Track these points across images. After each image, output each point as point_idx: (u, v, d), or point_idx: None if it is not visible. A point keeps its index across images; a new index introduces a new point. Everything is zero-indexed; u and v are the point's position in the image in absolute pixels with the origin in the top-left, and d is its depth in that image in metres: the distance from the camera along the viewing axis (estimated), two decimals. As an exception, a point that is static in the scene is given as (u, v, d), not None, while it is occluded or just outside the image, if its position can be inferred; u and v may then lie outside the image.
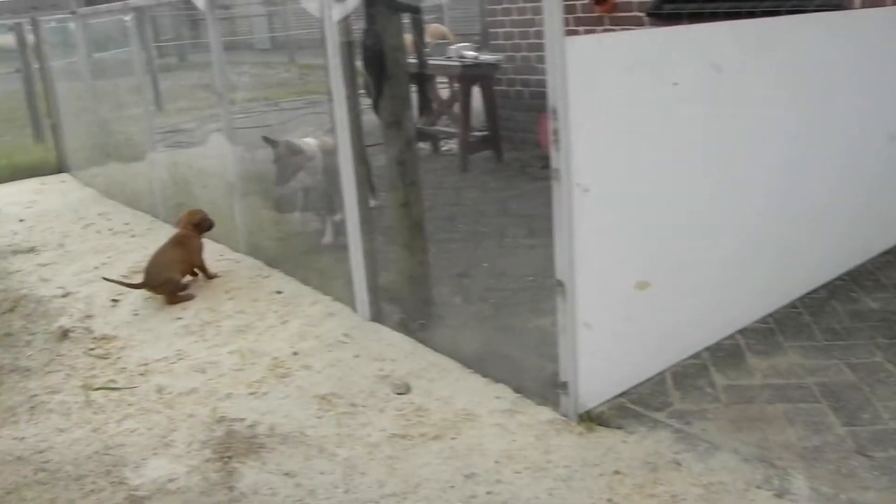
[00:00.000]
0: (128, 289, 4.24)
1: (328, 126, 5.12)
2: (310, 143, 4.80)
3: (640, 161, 2.90)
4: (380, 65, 3.55)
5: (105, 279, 4.05)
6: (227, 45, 4.69)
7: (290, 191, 4.96)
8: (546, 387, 3.03)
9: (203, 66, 6.44)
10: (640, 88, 2.84)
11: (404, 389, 3.21)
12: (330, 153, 4.75)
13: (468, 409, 3.02)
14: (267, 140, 4.73)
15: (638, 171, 2.90)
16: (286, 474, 2.73)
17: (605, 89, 2.73)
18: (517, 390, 3.11)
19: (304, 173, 4.78)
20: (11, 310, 4.41)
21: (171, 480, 2.75)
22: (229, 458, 2.85)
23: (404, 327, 3.69)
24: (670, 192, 3.02)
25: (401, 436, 2.89)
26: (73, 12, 6.96)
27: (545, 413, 2.94)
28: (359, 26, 3.70)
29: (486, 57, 6.94)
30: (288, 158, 4.67)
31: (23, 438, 3.11)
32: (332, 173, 4.77)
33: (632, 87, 2.81)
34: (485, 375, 3.24)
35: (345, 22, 3.60)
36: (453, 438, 2.85)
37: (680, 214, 3.07)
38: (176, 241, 4.36)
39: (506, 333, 3.67)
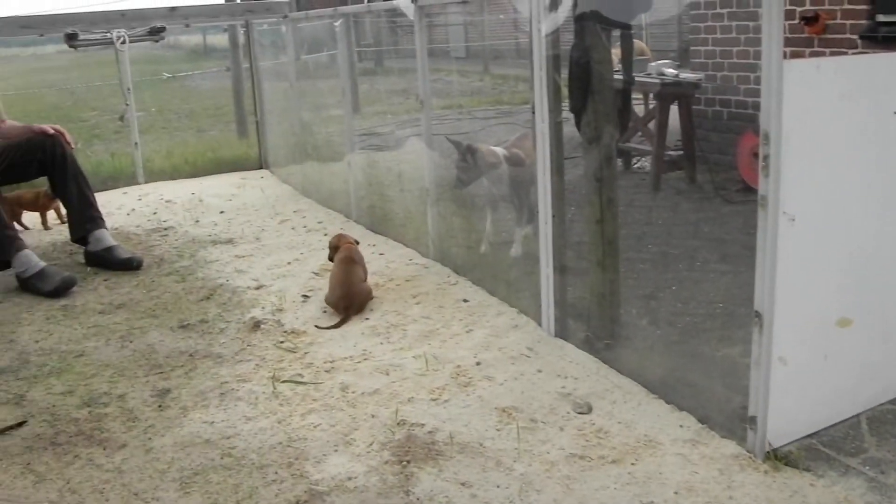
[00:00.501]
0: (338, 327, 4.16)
1: (517, 136, 5.12)
2: (496, 151, 4.79)
3: (849, 192, 2.73)
4: (585, 79, 3.49)
5: (318, 327, 4.07)
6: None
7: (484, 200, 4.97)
8: (732, 420, 2.89)
9: (399, 72, 6.57)
10: (856, 116, 2.68)
11: (586, 409, 3.13)
12: (517, 165, 4.73)
13: (650, 436, 2.91)
14: (452, 142, 4.75)
15: (846, 203, 2.73)
16: (462, 484, 2.70)
17: (820, 116, 2.58)
18: (701, 420, 2.98)
19: (487, 181, 4.78)
20: (208, 298, 4.59)
21: (349, 478, 2.77)
22: (407, 462, 2.84)
23: (589, 346, 3.61)
24: (878, 226, 2.84)
25: (579, 456, 2.82)
26: (284, 16, 7.24)
27: (730, 447, 2.80)
28: (567, 40, 3.65)
29: (687, 75, 6.77)
30: (469, 163, 4.67)
31: (212, 423, 3.22)
32: (520, 185, 4.75)
33: (847, 114, 2.65)
34: (669, 402, 3.12)
35: (553, 35, 3.56)
36: (633, 464, 2.76)
37: (886, 250, 2.89)
38: (350, 258, 4.38)
39: (693, 360, 3.53)
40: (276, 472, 2.84)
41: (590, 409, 3.13)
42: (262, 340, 3.96)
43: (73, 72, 19.58)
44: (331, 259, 4.53)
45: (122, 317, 4.40)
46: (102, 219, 5.40)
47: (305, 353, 3.78)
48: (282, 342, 3.92)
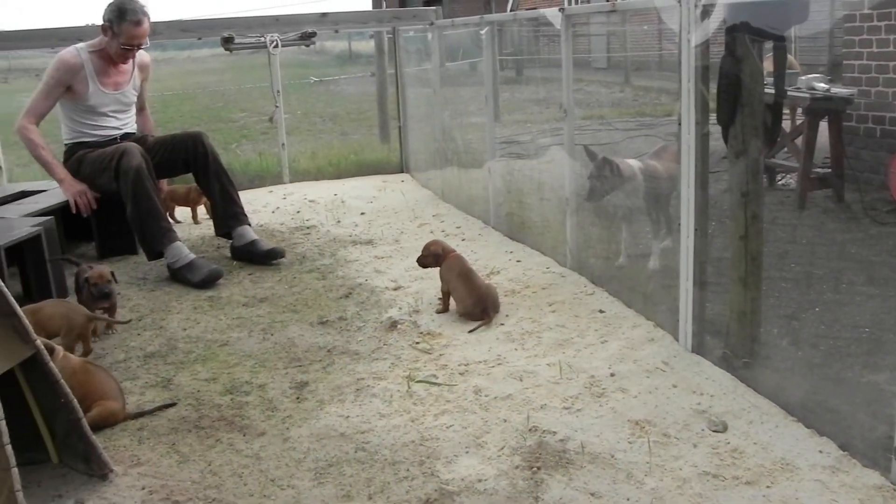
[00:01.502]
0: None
1: (656, 148, 5.04)
2: (631, 164, 4.73)
3: None
4: (735, 92, 3.42)
5: (470, 332, 4.13)
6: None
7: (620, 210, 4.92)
8: (876, 449, 2.77)
9: (539, 81, 6.55)
10: None
11: (721, 427, 3.06)
12: (654, 178, 4.66)
13: (787, 459, 2.82)
14: (588, 152, 4.72)
15: None
16: (592, 494, 2.68)
17: None
18: (842, 447, 2.87)
19: (621, 194, 4.72)
20: (347, 296, 4.70)
21: (479, 480, 2.80)
22: (538, 468, 2.84)
23: (726, 363, 3.53)
24: None
25: (713, 475, 2.76)
26: (431, 23, 7.35)
27: (872, 477, 2.69)
28: (717, 51, 3.59)
29: (839, 90, 6.54)
30: (603, 175, 4.63)
31: (347, 417, 3.30)
32: (658, 198, 4.69)
33: None
34: (808, 426, 3.02)
35: (703, 46, 3.51)
36: (768, 487, 2.68)
37: None
38: (467, 267, 4.40)
39: (835, 385, 3.41)
40: (408, 469, 2.89)
41: (725, 428, 3.06)
42: (398, 340, 4.03)
43: (225, 74, 20.33)
44: (425, 265, 4.52)
45: (264, 310, 4.55)
46: (246, 215, 5.60)
47: (440, 354, 3.83)
48: (417, 343, 3.98)
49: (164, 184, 6.15)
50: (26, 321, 2.79)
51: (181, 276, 5.09)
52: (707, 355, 3.63)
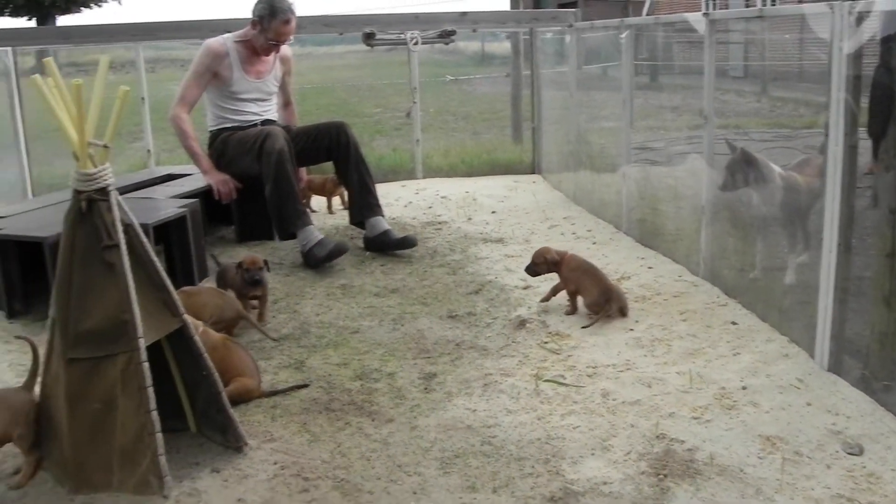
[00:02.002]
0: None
1: (798, 161, 4.90)
2: (772, 166, 4.60)
3: None
4: (889, 103, 3.31)
5: (585, 326, 4.14)
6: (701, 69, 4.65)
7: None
8: None
9: (674, 88, 6.46)
10: None
11: (857, 450, 2.97)
12: (795, 190, 4.53)
13: (928, 490, 2.73)
14: (729, 144, 4.62)
15: None
16: (719, 507, 2.65)
17: None
18: None
19: (758, 198, 4.60)
20: (477, 292, 4.74)
21: (604, 483, 2.79)
22: (664, 476, 2.82)
23: (865, 385, 3.42)
24: None
25: (847, 498, 2.68)
26: (570, 25, 7.33)
27: None
28: (870, 62, 3.48)
29: None
30: (739, 167, 4.51)
31: (474, 410, 3.33)
32: (797, 211, 4.56)
33: None
34: (952, 456, 2.91)
35: (855, 55, 3.41)
36: (907, 516, 2.60)
37: None
38: (592, 264, 4.40)
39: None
40: (533, 467, 2.91)
41: (861, 451, 2.97)
42: (527, 339, 4.05)
43: (361, 70, 20.71)
44: (537, 273, 4.48)
45: (395, 301, 4.63)
46: (380, 206, 5.71)
47: (569, 355, 3.82)
48: (546, 343, 3.99)
49: (304, 172, 6.33)
50: (176, 296, 2.92)
51: (311, 254, 5.29)
52: (844, 375, 3.52)
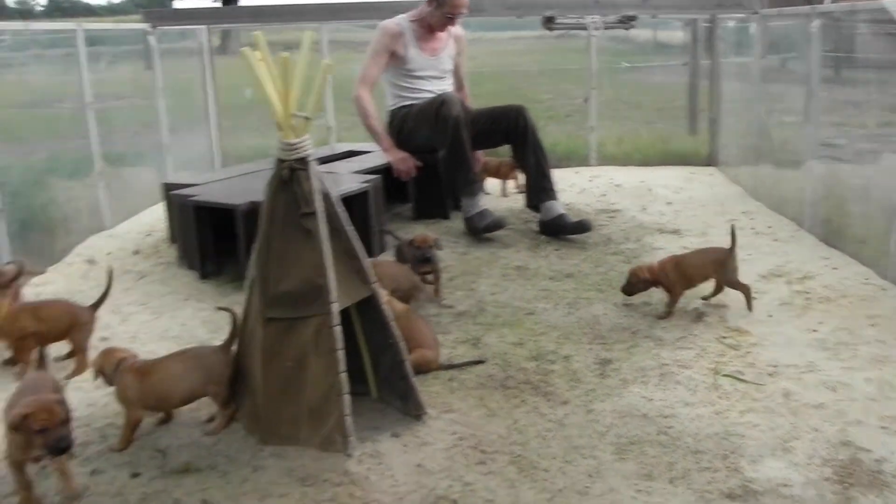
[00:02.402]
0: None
1: None
2: None
3: None
4: None
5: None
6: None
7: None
8: None
9: (861, 82, 6.14)
10: None
11: None
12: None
13: None
14: None
15: None
16: (908, 520, 2.54)
17: None
18: None
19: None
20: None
21: (784, 485, 2.72)
22: (849, 484, 2.72)
23: None
24: None
25: None
26: (755, 12, 7.09)
27: None
28: None
29: None
30: None
31: (650, 399, 3.30)
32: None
33: None
34: None
35: None
36: None
37: None
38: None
39: None
40: (710, 461, 2.86)
41: None
42: (704, 332, 3.97)
43: (532, 56, 20.66)
44: (633, 293, 4.31)
45: (569, 285, 4.63)
46: (556, 191, 5.71)
47: (748, 352, 3.73)
48: (724, 337, 3.90)
49: (481, 155, 6.40)
50: (368, 264, 3.02)
51: (472, 223, 5.51)
52: None
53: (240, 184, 5.30)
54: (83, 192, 5.95)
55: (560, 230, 5.49)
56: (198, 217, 4.83)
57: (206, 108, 7.92)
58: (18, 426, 2.55)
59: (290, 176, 2.85)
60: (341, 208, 2.97)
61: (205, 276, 4.89)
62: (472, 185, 5.61)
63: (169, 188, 5.43)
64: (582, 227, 5.44)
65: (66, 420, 2.59)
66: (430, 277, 4.48)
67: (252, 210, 4.57)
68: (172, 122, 7.16)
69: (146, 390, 3.03)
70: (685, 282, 4.22)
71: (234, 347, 3.13)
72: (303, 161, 2.86)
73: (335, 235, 2.91)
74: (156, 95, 6.97)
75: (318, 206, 2.87)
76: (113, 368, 3.06)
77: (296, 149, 2.85)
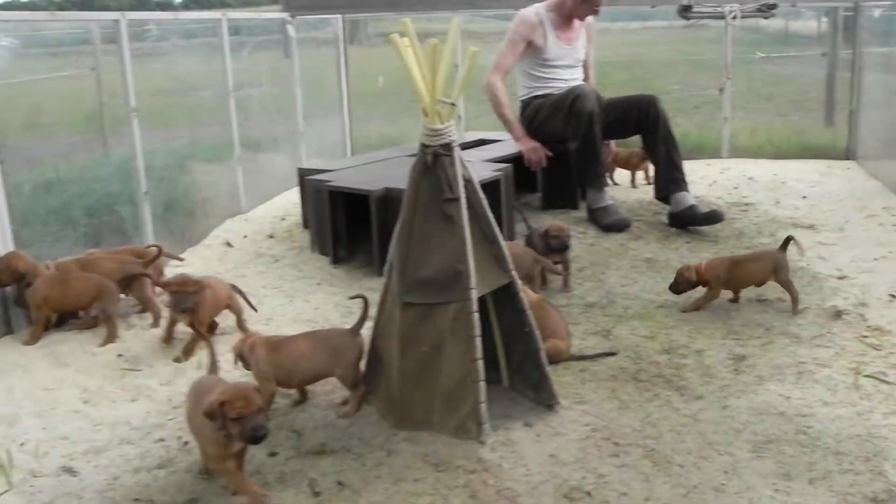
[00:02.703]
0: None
1: None
2: None
3: None
4: None
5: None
6: None
7: None
8: None
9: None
10: None
11: None
12: None
13: None
14: None
15: None
16: None
17: None
18: None
19: None
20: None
21: (930, 492, 2.63)
22: None
23: None
24: None
25: None
26: (903, 0, 6.80)
27: None
28: None
29: None
30: None
31: (788, 398, 3.23)
32: None
33: None
34: None
35: None
36: None
37: None
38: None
39: None
40: (852, 463, 2.78)
41: None
42: (843, 331, 3.85)
43: (660, 46, 20.32)
44: (679, 292, 4.20)
45: (701, 279, 4.56)
46: (686, 182, 5.62)
47: (890, 352, 3.60)
48: (865, 337, 3.77)
49: (613, 145, 6.36)
50: (507, 250, 3.04)
51: (595, 216, 5.57)
52: None
53: (374, 170, 5.39)
54: (222, 176, 6.16)
55: (690, 221, 5.41)
56: (332, 202, 4.95)
57: (340, 96, 8.08)
58: (214, 413, 2.52)
59: (434, 161, 2.89)
60: (482, 194, 3.00)
61: (336, 261, 5.00)
62: (600, 180, 5.66)
63: (304, 174, 5.57)
64: (713, 217, 5.34)
65: (262, 409, 2.56)
66: (558, 268, 4.48)
67: (386, 197, 4.66)
68: (307, 110, 7.33)
69: (276, 364, 3.16)
70: (735, 284, 4.17)
71: (364, 332, 3.21)
72: (447, 147, 2.90)
73: (475, 221, 2.94)
74: (293, 83, 7.14)
75: (461, 191, 2.90)
76: (249, 350, 3.20)
77: (440, 134, 2.89)
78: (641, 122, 5.74)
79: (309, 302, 4.45)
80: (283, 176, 6.77)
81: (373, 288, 4.61)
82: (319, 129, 7.69)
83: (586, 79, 6.21)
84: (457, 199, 2.89)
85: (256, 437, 2.53)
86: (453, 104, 2.91)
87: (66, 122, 5.80)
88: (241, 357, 3.23)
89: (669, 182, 5.63)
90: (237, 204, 6.18)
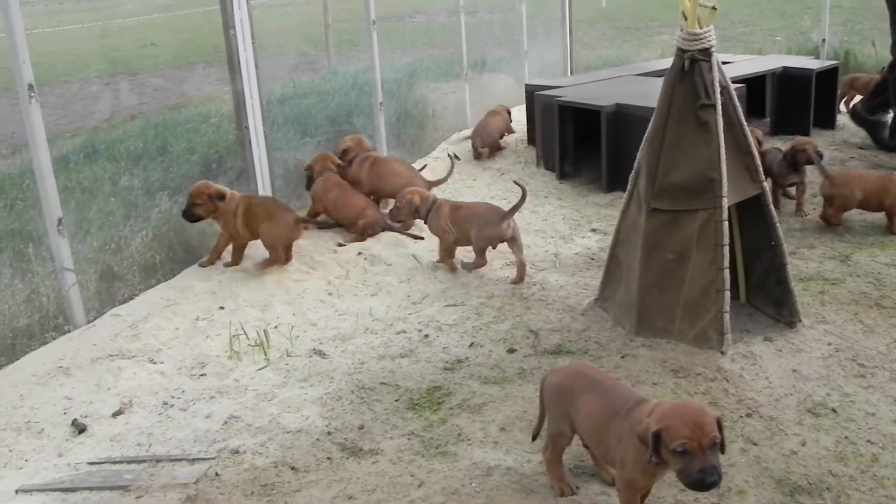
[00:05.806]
0: None
1: None
2: None
3: None
4: None
5: None
6: None
7: None
8: None
9: None
10: None
11: None
12: None
13: None
14: None
15: None
16: None
17: None
18: None
19: None
20: None
21: None
22: None
23: None
24: None
25: None
26: None
27: None
28: None
29: None
30: None
31: None
32: None
33: None
34: None
35: None
36: None
37: None
38: None
39: None
40: None
41: None
42: None
43: None
44: None
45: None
46: None
47: None
48: None
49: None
50: (759, 162, 2.97)
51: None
52: None
53: (603, 87, 5.35)
54: (450, 93, 6.27)
55: None
56: (561, 118, 4.95)
57: (563, 17, 8.01)
58: (647, 441, 1.90)
59: (691, 66, 2.84)
60: (738, 103, 2.93)
61: (562, 176, 5.02)
62: None
63: (531, 89, 5.58)
64: None
65: (716, 442, 1.85)
66: (792, 192, 4.34)
67: (616, 113, 4.63)
68: (531, 30, 7.31)
69: (455, 220, 3.80)
70: None
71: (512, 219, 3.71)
72: (706, 52, 2.84)
73: (729, 129, 2.89)
74: (518, 5, 7.13)
75: (717, 98, 2.85)
76: (428, 207, 3.86)
77: (700, 39, 2.83)
78: None
79: (537, 214, 4.52)
80: (508, 94, 6.81)
81: (598, 203, 4.65)
82: (542, 50, 7.66)
83: None
84: (713, 106, 2.83)
85: (705, 484, 1.86)
86: (714, 7, 2.84)
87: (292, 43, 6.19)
88: (417, 211, 3.88)
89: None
90: (464, 119, 6.28)
